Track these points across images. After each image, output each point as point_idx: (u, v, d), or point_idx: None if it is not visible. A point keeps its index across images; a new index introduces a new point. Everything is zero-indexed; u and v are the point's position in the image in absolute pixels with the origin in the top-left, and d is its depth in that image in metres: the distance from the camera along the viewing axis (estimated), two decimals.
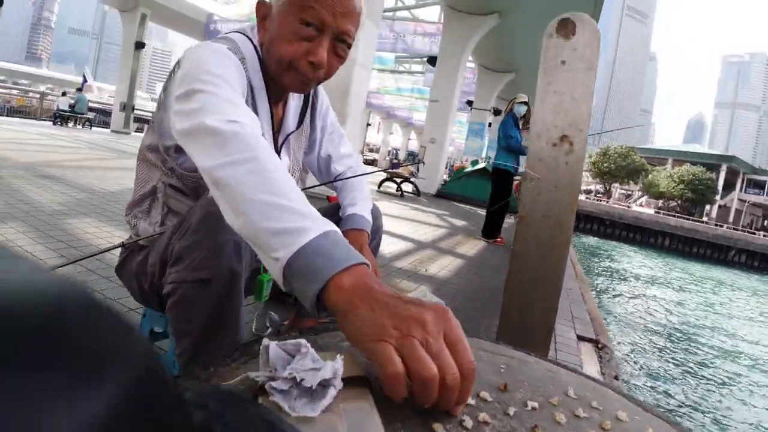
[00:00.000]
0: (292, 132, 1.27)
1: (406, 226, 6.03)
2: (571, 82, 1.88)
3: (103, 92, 36.73)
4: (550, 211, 1.85)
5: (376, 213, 1.45)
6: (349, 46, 1.09)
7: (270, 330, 1.83)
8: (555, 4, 11.40)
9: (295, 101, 1.28)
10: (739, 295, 18.21)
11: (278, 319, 1.92)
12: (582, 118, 1.86)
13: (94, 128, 18.09)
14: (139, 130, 19.50)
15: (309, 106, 1.33)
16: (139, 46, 16.98)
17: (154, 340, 1.43)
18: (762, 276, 27.49)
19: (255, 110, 1.13)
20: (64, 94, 18.56)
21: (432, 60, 13.68)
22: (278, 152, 1.24)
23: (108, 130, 17.77)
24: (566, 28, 1.84)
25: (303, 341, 0.57)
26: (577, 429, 0.65)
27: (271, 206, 0.71)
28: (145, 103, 38.82)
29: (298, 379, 0.53)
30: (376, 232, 1.47)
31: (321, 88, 1.35)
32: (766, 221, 61.09)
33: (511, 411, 0.66)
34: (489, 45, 15.34)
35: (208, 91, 0.88)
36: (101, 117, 25.28)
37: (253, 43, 1.13)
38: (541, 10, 11.92)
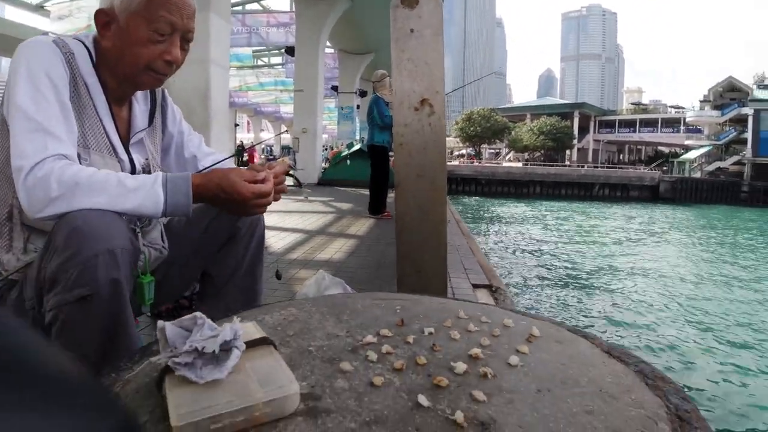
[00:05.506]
0: (143, 129, 1.30)
1: (293, 219, 5.98)
2: (422, 49, 1.99)
3: None
4: (423, 171, 1.96)
5: None
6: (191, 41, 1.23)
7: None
8: None
9: (140, 103, 1.32)
10: (605, 223, 20.47)
11: None
12: (437, 80, 1.98)
13: None
14: None
15: (158, 107, 1.38)
16: None
17: None
18: (622, 205, 31.12)
19: (94, 107, 1.17)
20: None
21: (290, 50, 13.47)
22: (127, 150, 1.24)
23: None
24: None
25: (198, 313, 0.57)
26: (470, 340, 0.72)
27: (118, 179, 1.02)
28: None
29: (200, 349, 0.53)
30: None
31: (170, 99, 1.45)
32: (621, 155, 68.84)
33: (411, 339, 0.72)
34: (345, 29, 15.45)
35: (30, 119, 1.02)
36: None
37: (86, 46, 1.18)
38: None
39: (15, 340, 0.17)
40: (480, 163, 48.56)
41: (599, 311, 8.12)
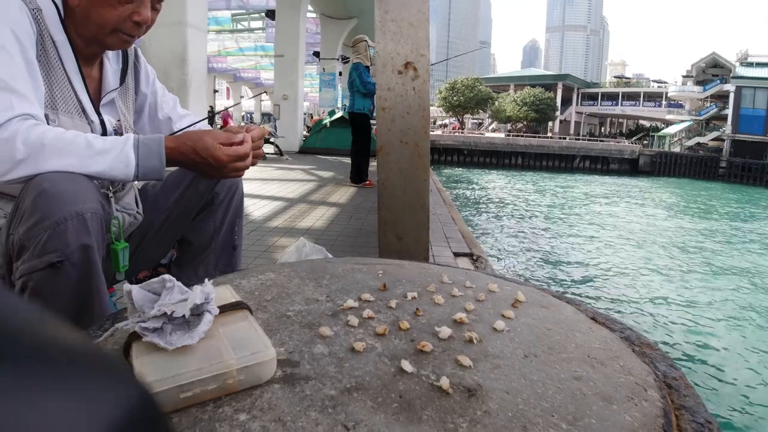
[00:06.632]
0: (115, 89, 1.25)
1: (273, 187, 5.91)
2: (406, 9, 1.92)
3: None
4: (406, 137, 1.92)
5: None
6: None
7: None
8: None
9: (112, 62, 1.26)
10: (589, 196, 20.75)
11: None
12: (422, 42, 1.92)
13: None
14: None
15: (131, 67, 1.33)
16: None
17: None
18: (602, 177, 31.48)
19: (62, 66, 1.11)
20: None
21: (271, 13, 13.08)
22: (98, 111, 1.19)
23: None
24: None
25: (167, 276, 0.53)
26: (455, 305, 0.70)
27: (86, 142, 0.96)
28: None
29: (169, 313, 0.50)
30: None
31: (144, 59, 1.39)
32: (602, 128, 69.10)
33: (393, 303, 0.69)
34: None
35: None
36: None
37: (54, 2, 1.11)
38: None
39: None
40: (462, 133, 48.38)
41: (580, 279, 8.28)
